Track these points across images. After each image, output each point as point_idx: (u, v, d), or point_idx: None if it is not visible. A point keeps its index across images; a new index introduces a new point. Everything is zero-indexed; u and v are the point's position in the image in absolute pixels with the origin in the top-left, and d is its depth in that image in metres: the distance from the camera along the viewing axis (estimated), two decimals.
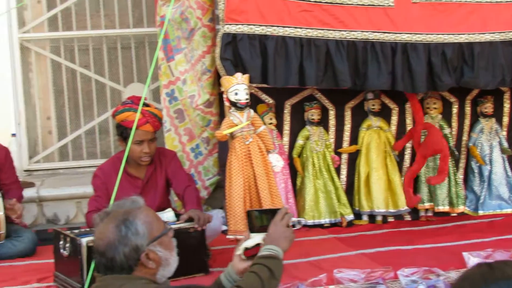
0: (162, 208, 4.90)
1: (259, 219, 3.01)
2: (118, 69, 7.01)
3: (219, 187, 6.06)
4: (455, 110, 6.36)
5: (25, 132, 6.85)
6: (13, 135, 6.54)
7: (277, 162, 5.00)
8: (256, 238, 2.95)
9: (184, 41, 5.76)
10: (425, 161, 6.01)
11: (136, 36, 6.97)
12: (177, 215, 4.82)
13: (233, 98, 4.79)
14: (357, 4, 5.31)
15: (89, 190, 5.95)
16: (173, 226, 4.48)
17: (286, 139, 6.05)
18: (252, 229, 3.00)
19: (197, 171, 6.01)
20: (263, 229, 2.94)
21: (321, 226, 5.92)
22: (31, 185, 5.98)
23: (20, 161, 6.62)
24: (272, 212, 2.94)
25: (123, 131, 4.81)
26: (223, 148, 5.79)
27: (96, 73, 7.01)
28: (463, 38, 5.52)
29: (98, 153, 7.12)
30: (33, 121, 6.97)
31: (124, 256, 2.47)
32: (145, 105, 4.90)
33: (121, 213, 2.54)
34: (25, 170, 6.74)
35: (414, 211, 6.19)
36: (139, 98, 4.96)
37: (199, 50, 5.66)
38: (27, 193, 5.65)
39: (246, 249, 2.94)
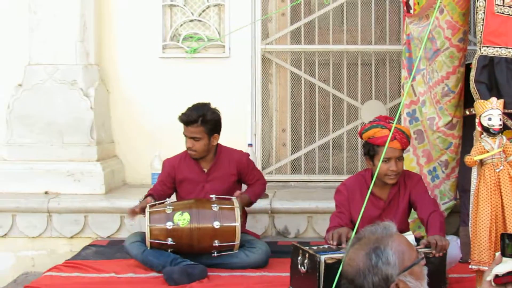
0: (401, 231, 4.80)
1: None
2: (357, 85, 6.98)
3: (454, 212, 5.89)
4: None
5: (260, 143, 6.98)
6: (250, 145, 6.64)
7: None
8: (509, 263, 2.79)
9: (425, 61, 5.66)
10: None
11: (377, 52, 6.91)
12: (418, 239, 4.71)
13: (486, 123, 4.63)
14: None
15: (321, 205, 6.10)
16: None
17: None
18: (505, 253, 2.84)
19: (433, 194, 5.86)
20: None
21: None
22: (265, 196, 6.08)
23: None
24: None
25: (370, 149, 4.78)
26: (464, 173, 5.63)
27: (335, 88, 7.01)
28: None
29: (330, 169, 7.11)
30: (268, 132, 7.10)
31: (372, 285, 2.39)
32: (392, 122, 4.87)
33: (372, 240, 2.47)
34: None
35: None
36: (386, 117, 4.94)
37: (441, 71, 5.51)
38: (260, 204, 5.73)
39: (497, 276, 2.78)
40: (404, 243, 2.51)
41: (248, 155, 5.64)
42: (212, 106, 5.35)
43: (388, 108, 6.81)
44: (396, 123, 4.73)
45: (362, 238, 2.50)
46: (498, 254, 2.76)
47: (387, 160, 4.70)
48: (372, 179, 4.66)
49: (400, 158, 4.82)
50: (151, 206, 5.10)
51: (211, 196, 5.20)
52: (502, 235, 2.83)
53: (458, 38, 5.40)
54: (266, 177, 6.38)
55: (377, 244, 2.44)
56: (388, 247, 2.43)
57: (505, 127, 5.58)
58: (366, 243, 2.46)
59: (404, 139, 4.80)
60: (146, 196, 5.30)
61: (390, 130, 4.60)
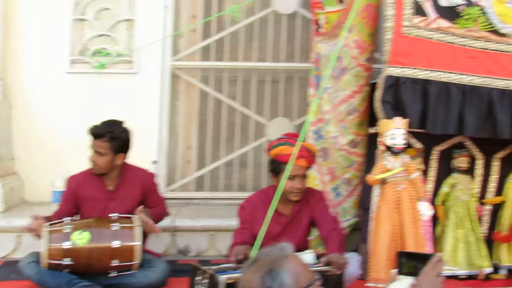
0: (301, 247, 4.84)
1: (410, 262, 2.82)
2: (265, 102, 7.00)
3: (355, 230, 5.96)
4: None
5: (165, 159, 6.90)
6: (154, 162, 6.58)
7: (427, 210, 4.91)
8: (404, 281, 2.82)
9: (331, 80, 5.72)
10: None
11: (286, 70, 6.96)
12: (318, 256, 4.74)
13: (389, 142, 4.72)
14: None
15: (223, 223, 6.09)
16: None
17: (430, 185, 5.89)
18: (401, 271, 2.88)
19: (336, 211, 5.92)
20: (412, 273, 2.76)
21: (456, 277, 5.69)
22: (167, 214, 6.00)
23: None
24: (424, 258, 2.75)
25: (276, 166, 4.78)
26: (366, 191, 5.71)
27: (242, 105, 7.02)
28: None
29: (234, 186, 7.10)
30: (174, 149, 7.03)
31: None
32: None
33: (267, 263, 2.45)
34: None
35: None
36: (294, 135, 4.95)
37: (347, 90, 5.59)
38: (162, 222, 5.65)
39: None
40: (299, 264, 2.50)
41: (153, 175, 5.54)
42: (125, 125, 5.23)
43: (295, 126, 6.83)
44: (302, 141, 4.76)
45: (258, 259, 2.47)
46: (393, 271, 2.81)
47: (292, 177, 4.72)
48: (276, 196, 4.68)
49: (305, 176, 4.85)
50: (50, 225, 4.93)
51: (112, 214, 5.07)
52: (399, 253, 2.88)
53: (365, 57, 5.50)
54: (170, 194, 6.35)
55: (272, 266, 2.42)
56: (283, 269, 2.41)
57: (408, 145, 5.71)
58: (261, 265, 2.43)
59: (310, 158, 4.84)
60: (41, 218, 5.10)
61: (297, 148, 4.64)
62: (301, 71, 6.86)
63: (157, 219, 5.29)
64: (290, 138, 4.83)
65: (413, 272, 2.76)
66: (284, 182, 4.52)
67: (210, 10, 7.02)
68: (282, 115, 6.98)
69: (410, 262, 2.83)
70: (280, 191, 4.48)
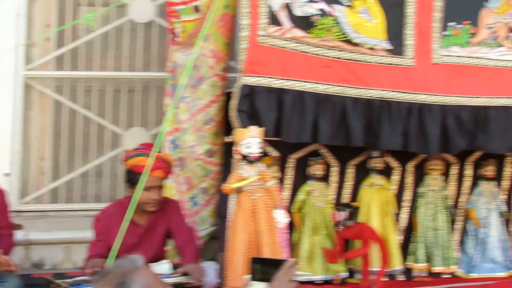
0: (158, 258, 4.81)
1: (263, 268, 2.86)
2: (120, 112, 6.88)
3: (213, 238, 5.97)
4: (454, 171, 6.36)
5: (18, 171, 6.65)
6: (7, 174, 6.36)
7: (283, 218, 4.98)
8: (257, 287, 2.86)
9: (189, 89, 5.71)
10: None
11: (143, 79, 6.87)
12: (175, 266, 4.72)
13: (244, 151, 4.76)
14: (378, 63, 5.34)
15: (79, 235, 5.95)
16: (170, 281, 4.44)
17: (286, 193, 5.97)
18: (254, 277, 2.90)
19: (193, 220, 5.92)
20: (265, 279, 2.80)
21: (312, 283, 5.80)
22: (19, 227, 5.77)
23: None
24: (278, 263, 2.80)
25: (132, 177, 4.71)
26: (221, 200, 5.73)
27: (98, 115, 6.87)
28: (479, 102, 5.56)
29: (90, 197, 6.94)
30: (27, 161, 6.79)
31: None
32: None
33: (118, 275, 2.42)
34: (15, 211, 6.49)
35: (408, 271, 6.14)
36: (151, 145, 4.90)
37: (204, 99, 5.60)
38: (15, 235, 5.43)
39: None
40: (151, 276, 2.46)
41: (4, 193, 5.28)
42: None
43: (152, 135, 6.75)
44: (158, 151, 4.73)
45: (108, 273, 2.42)
46: (246, 277, 2.82)
47: (148, 188, 4.67)
48: (132, 207, 4.62)
49: (161, 187, 4.81)
50: None
51: None
52: (253, 260, 2.89)
53: (221, 67, 5.51)
54: (24, 207, 6.14)
55: (123, 279, 2.37)
56: (133, 281, 2.37)
57: (264, 154, 5.77)
58: (112, 278, 2.38)
59: (167, 168, 4.82)
60: None
61: (154, 159, 4.61)
62: (157, 80, 6.78)
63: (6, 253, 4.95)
64: (147, 149, 4.78)
65: (266, 278, 2.79)
66: (139, 194, 4.47)
67: (64, 19, 6.84)
68: (139, 125, 6.88)
69: (263, 268, 2.85)
70: (135, 202, 4.42)
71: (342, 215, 5.44)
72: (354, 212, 5.50)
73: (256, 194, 4.79)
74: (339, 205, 5.71)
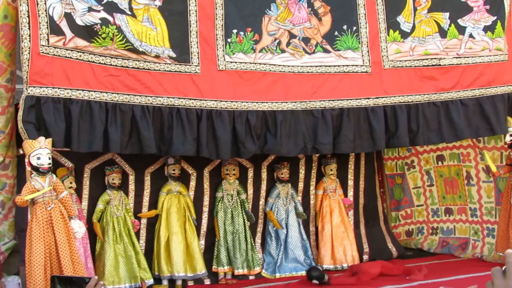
0: None
1: (65, 287, 2.88)
2: None
3: (15, 252, 5.86)
4: (250, 174, 6.57)
5: None
6: None
7: (79, 228, 4.97)
8: None
9: None
10: None
11: None
12: None
13: (35, 162, 4.69)
14: (164, 71, 5.37)
15: None
16: None
17: (85, 203, 5.97)
18: None
19: None
20: None
21: None
22: None
23: None
24: (80, 282, 2.77)
25: None
26: (20, 213, 5.62)
27: None
28: (266, 106, 5.72)
29: None
30: None
31: None
32: None
33: None
34: None
35: (214, 275, 6.27)
36: None
37: None
38: None
39: None
40: None
41: None
42: None
43: None
44: None
45: None
46: None
47: None
48: None
49: None
50: None
51: None
52: (52, 278, 2.85)
53: (5, 78, 5.36)
54: None
55: None
56: None
57: (59, 165, 5.71)
58: None
59: None
60: None
61: None
62: None
63: None
64: None
65: None
66: None
67: None
68: None
69: (66, 286, 2.83)
70: None
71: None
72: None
73: (50, 205, 4.74)
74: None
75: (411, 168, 7.64)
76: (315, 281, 5.96)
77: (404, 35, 6.20)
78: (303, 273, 6.41)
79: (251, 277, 6.37)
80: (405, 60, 6.18)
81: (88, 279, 2.72)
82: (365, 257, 6.91)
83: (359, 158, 7.08)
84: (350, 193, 7.05)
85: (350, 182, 7.05)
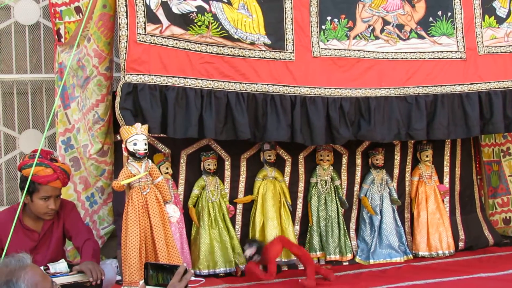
0: (56, 259, 4.81)
1: (157, 273, 2.91)
2: (14, 115, 6.81)
3: (114, 236, 6.01)
4: (344, 161, 6.54)
5: None
6: None
7: (174, 213, 5.02)
8: None
9: (78, 89, 5.73)
10: None
11: (33, 81, 6.80)
12: (71, 265, 4.73)
13: (131, 148, 4.79)
14: (259, 57, 5.43)
15: None
16: (67, 279, 4.46)
17: (181, 188, 6.04)
18: (148, 282, 2.95)
19: (92, 220, 5.95)
20: (160, 284, 2.87)
21: (215, 275, 5.90)
22: None
23: None
24: (171, 269, 2.88)
25: (29, 185, 4.65)
26: (117, 198, 5.76)
27: None
28: (360, 93, 5.71)
29: None
30: None
31: None
32: (53, 160, 4.85)
33: (5, 273, 2.46)
34: None
35: None
36: (48, 152, 4.90)
37: (92, 99, 5.62)
38: None
39: None
40: (38, 274, 2.52)
41: None
42: None
43: (47, 137, 6.69)
44: (54, 158, 4.78)
45: None
46: (142, 282, 2.86)
47: (47, 198, 4.71)
48: (25, 213, 4.76)
49: (59, 196, 4.85)
50: None
51: None
52: (145, 265, 2.93)
53: (104, 66, 5.52)
54: None
55: (9, 277, 2.42)
56: (20, 279, 2.42)
57: (156, 150, 5.82)
58: None
59: (65, 179, 4.84)
60: None
61: (53, 170, 4.69)
62: (48, 82, 6.72)
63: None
64: (45, 158, 4.78)
65: (161, 284, 2.85)
66: (23, 199, 4.57)
67: None
68: (33, 127, 6.81)
69: (157, 274, 2.89)
70: (20, 207, 4.56)
71: (249, 251, 5.47)
72: (260, 247, 5.53)
73: (145, 190, 4.84)
74: (247, 241, 5.71)
75: (507, 155, 7.43)
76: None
77: (500, 20, 6.10)
78: (397, 259, 6.38)
79: (344, 263, 6.34)
80: (500, 46, 6.09)
81: (177, 266, 2.81)
82: (461, 244, 6.77)
83: (455, 145, 6.94)
84: (446, 179, 6.90)
85: (446, 169, 6.91)
